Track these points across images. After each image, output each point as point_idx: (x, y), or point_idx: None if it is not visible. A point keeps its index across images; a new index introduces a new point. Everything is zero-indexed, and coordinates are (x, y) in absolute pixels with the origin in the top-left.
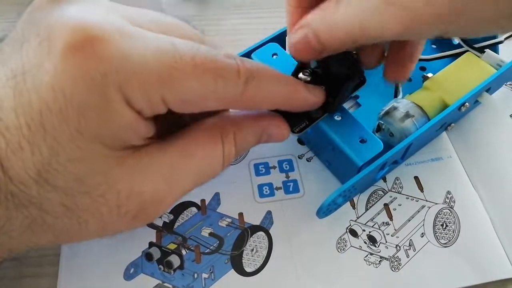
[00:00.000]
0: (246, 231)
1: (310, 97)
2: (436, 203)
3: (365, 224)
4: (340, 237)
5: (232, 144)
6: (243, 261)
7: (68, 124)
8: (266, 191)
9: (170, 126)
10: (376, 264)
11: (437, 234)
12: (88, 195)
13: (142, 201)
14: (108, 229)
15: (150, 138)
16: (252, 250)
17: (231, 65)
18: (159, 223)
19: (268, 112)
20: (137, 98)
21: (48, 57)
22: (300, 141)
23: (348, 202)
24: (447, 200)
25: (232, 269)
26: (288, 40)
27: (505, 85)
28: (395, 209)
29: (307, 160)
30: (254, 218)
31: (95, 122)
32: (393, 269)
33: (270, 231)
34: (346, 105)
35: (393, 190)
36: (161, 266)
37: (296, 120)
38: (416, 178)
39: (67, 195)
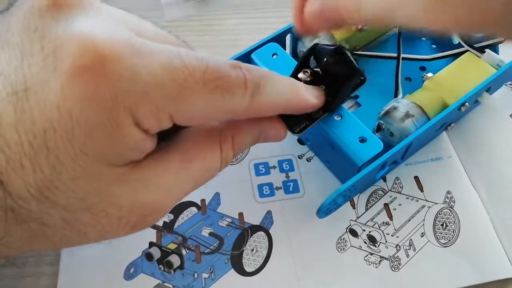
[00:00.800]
0: (246, 231)
1: (311, 100)
2: (436, 203)
3: (365, 224)
4: (340, 237)
5: (230, 148)
6: (243, 261)
7: (73, 144)
8: (266, 191)
9: (167, 130)
10: (376, 264)
11: (437, 234)
12: (89, 211)
13: (143, 212)
14: (106, 237)
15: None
16: (252, 250)
17: (239, 78)
18: (159, 223)
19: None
20: (147, 118)
21: (53, 75)
22: (300, 141)
23: (348, 202)
24: (447, 200)
25: (232, 269)
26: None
27: (505, 85)
28: (395, 209)
29: (307, 160)
30: (254, 218)
31: (102, 143)
32: (393, 269)
33: (270, 231)
34: (346, 105)
35: (393, 190)
36: (161, 266)
37: (296, 120)
38: (416, 178)
39: (68, 211)
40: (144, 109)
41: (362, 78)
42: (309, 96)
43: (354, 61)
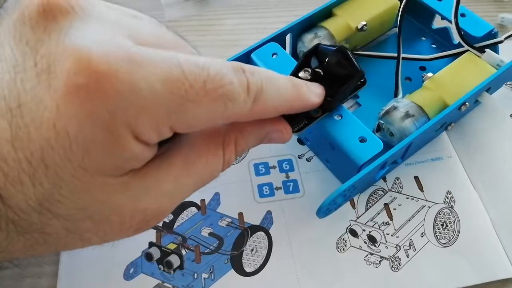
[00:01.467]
0: (246, 231)
1: (313, 99)
2: (436, 203)
3: (365, 224)
4: (340, 237)
5: (232, 151)
6: (243, 261)
7: (71, 161)
8: (266, 191)
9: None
10: (376, 264)
11: (437, 234)
12: (91, 219)
13: (145, 217)
14: (108, 241)
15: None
16: (252, 250)
17: (242, 83)
18: (159, 223)
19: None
20: (146, 131)
21: (48, 93)
22: (300, 141)
23: (348, 202)
24: (447, 200)
25: (232, 269)
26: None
27: (505, 85)
28: (395, 209)
29: (307, 160)
30: (254, 218)
31: (100, 159)
32: (393, 269)
33: (270, 231)
34: (346, 105)
35: (393, 190)
36: (161, 266)
37: (295, 119)
38: (416, 178)
39: (70, 221)
40: (143, 123)
41: (362, 80)
42: (311, 95)
43: (356, 62)
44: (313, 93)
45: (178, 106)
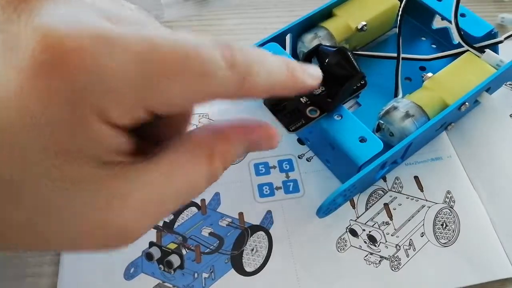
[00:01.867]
0: (246, 231)
1: (308, 81)
2: (436, 203)
3: (365, 223)
4: (340, 236)
5: (219, 163)
6: (243, 260)
7: (37, 143)
8: (266, 191)
9: (154, 136)
10: (376, 263)
11: (437, 234)
12: (50, 217)
13: (105, 235)
14: (71, 250)
15: (132, 154)
16: (252, 249)
17: (225, 59)
18: (160, 223)
19: (260, 122)
20: (116, 112)
21: (12, 73)
22: (300, 141)
23: (348, 201)
24: (447, 200)
25: (232, 269)
26: None
27: (505, 85)
28: (395, 209)
29: (307, 160)
30: (254, 217)
31: (66, 141)
32: (393, 268)
33: (270, 231)
34: (346, 105)
35: (393, 189)
36: (161, 266)
37: (292, 118)
38: (416, 177)
39: (29, 212)
40: (112, 104)
41: (362, 82)
42: (306, 77)
43: (356, 63)
44: (308, 75)
45: (151, 83)
